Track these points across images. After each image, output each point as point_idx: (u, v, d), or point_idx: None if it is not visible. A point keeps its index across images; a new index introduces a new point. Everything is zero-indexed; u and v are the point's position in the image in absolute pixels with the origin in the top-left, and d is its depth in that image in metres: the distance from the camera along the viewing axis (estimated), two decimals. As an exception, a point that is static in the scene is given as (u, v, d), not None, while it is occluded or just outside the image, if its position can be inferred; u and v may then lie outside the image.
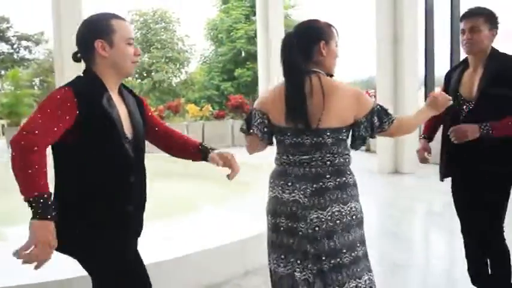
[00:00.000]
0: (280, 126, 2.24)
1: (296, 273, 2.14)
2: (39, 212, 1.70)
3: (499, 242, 2.84)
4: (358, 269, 2.13)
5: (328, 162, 2.13)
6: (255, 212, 5.11)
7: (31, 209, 1.71)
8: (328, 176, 2.12)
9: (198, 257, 3.67)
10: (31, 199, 1.69)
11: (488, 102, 2.69)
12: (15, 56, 33.44)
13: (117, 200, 1.97)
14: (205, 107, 14.12)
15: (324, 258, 2.09)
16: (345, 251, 2.10)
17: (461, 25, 2.84)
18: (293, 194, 2.15)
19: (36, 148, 1.70)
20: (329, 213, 2.08)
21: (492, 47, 2.82)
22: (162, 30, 28.88)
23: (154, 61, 27.73)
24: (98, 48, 1.95)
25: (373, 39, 9.35)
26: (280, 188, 2.23)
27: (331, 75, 2.24)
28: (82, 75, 2.03)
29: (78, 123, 1.83)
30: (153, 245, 3.89)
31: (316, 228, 2.08)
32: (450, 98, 2.40)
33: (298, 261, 2.14)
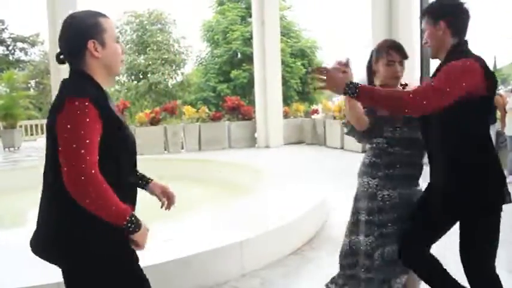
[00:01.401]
0: None
1: None
2: (135, 229, 1.86)
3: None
4: (369, 230, 2.76)
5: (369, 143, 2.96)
6: (253, 214, 5.13)
7: (129, 228, 1.83)
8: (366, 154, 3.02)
9: (196, 258, 3.68)
10: (123, 226, 1.81)
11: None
12: (10, 58, 33.36)
13: (128, 203, 1.92)
14: (202, 109, 14.08)
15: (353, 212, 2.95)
16: (364, 213, 2.77)
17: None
18: None
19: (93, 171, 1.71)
20: (361, 181, 2.88)
21: (454, 46, 2.41)
22: (158, 31, 28.84)
23: (150, 63, 27.69)
24: (91, 48, 1.87)
25: (373, 41, 9.39)
26: None
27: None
28: (76, 78, 1.89)
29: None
30: (152, 247, 3.90)
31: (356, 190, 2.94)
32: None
33: None
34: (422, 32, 2.54)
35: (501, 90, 22.35)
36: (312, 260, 4.39)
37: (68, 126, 1.71)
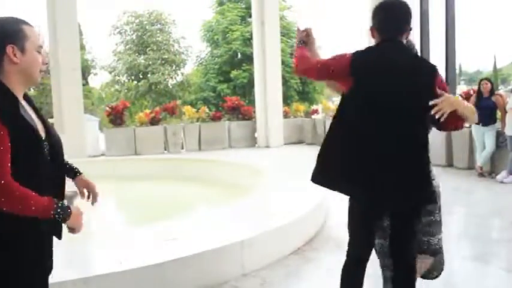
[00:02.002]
0: None
1: None
2: (65, 216, 1.86)
3: None
4: None
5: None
6: (253, 213, 5.14)
7: (59, 219, 1.84)
8: None
9: (197, 258, 3.68)
10: (52, 217, 1.80)
11: None
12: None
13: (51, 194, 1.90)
14: (202, 109, 14.09)
15: None
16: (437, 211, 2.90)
17: None
18: None
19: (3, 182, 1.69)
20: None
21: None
22: (158, 31, 28.85)
23: (150, 63, 27.70)
24: (10, 53, 1.82)
25: (369, 42, 9.38)
26: None
27: None
28: None
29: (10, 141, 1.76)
30: (153, 246, 3.91)
31: None
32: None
33: None
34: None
35: (501, 90, 22.36)
36: (313, 260, 4.39)
37: None
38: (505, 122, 8.01)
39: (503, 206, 6.49)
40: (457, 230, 5.44)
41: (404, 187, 2.45)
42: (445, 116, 2.40)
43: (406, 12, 2.54)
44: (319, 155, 2.63)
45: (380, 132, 2.44)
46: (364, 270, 2.65)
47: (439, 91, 2.43)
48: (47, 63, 2.01)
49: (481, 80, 8.64)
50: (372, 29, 2.60)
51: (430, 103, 2.40)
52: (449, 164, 9.02)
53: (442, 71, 11.05)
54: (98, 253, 3.96)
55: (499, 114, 8.30)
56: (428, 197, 2.57)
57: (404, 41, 2.57)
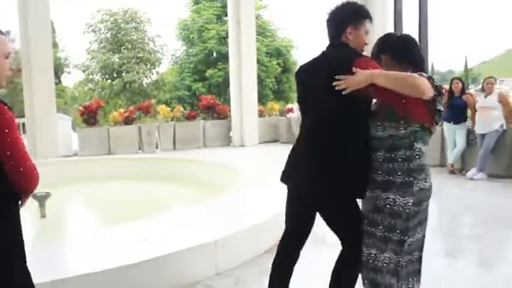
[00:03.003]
0: None
1: (424, 234, 2.62)
2: None
3: None
4: None
5: None
6: (228, 212, 5.13)
7: None
8: None
9: (170, 258, 3.66)
10: None
11: None
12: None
13: None
14: (177, 108, 14.00)
15: None
16: None
17: (368, 26, 2.76)
18: (429, 180, 2.55)
19: None
20: None
21: None
22: (133, 30, 28.55)
23: (124, 61, 27.40)
24: None
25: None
26: (423, 180, 2.51)
27: None
28: None
29: None
30: (127, 247, 3.87)
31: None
32: None
33: (424, 225, 2.61)
34: (368, 31, 2.76)
35: (472, 89, 22.78)
36: (287, 258, 4.39)
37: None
38: (475, 121, 8.19)
39: (473, 202, 6.62)
40: (429, 227, 5.52)
41: (305, 180, 2.67)
42: (348, 90, 2.39)
43: (340, 15, 2.69)
44: None
45: (302, 126, 2.78)
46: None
47: (354, 69, 2.42)
48: (13, 69, 2.04)
49: (452, 79, 8.80)
50: None
51: (334, 83, 2.43)
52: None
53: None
54: (70, 254, 3.90)
55: (469, 112, 8.47)
56: (321, 194, 2.61)
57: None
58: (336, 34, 2.69)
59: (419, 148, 2.48)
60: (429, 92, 2.35)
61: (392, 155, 2.48)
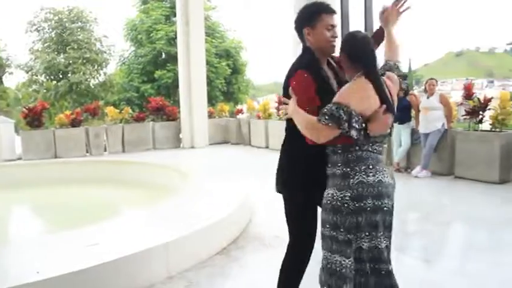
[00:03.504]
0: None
1: (381, 244, 2.44)
2: None
3: None
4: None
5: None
6: (178, 215, 5.11)
7: None
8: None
9: (120, 262, 3.61)
10: None
11: None
12: None
13: None
14: (125, 110, 13.78)
15: (392, 227, 2.54)
16: None
17: (328, 19, 2.61)
18: (387, 177, 2.45)
19: None
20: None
21: None
22: (79, 30, 27.85)
23: (70, 62, 26.69)
24: None
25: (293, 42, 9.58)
26: (363, 173, 2.39)
27: None
28: None
29: None
30: (75, 252, 3.79)
31: (394, 203, 2.50)
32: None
33: (380, 233, 2.44)
34: (333, 25, 2.65)
35: (415, 90, 23.52)
36: (238, 259, 4.43)
37: None
38: (419, 121, 8.49)
39: (418, 199, 6.86)
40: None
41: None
42: (287, 116, 2.55)
43: (297, 19, 2.73)
44: None
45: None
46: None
47: (290, 91, 2.53)
48: None
49: (397, 80, 9.07)
50: None
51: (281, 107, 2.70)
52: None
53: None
54: (15, 262, 3.77)
55: (413, 112, 8.77)
56: (280, 184, 2.79)
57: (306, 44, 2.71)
58: (300, 39, 2.73)
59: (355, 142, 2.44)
60: (324, 139, 2.37)
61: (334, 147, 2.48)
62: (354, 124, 2.30)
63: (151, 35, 25.74)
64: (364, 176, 2.38)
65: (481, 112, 7.99)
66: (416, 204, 6.54)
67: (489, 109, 7.96)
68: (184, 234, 4.26)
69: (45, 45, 27.36)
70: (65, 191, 7.80)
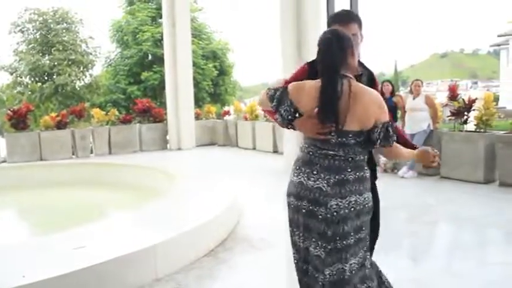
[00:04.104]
0: None
1: (311, 248, 2.42)
2: None
3: None
4: (358, 248, 2.43)
5: (350, 159, 2.36)
6: (166, 217, 5.09)
7: None
8: (349, 170, 2.36)
9: (108, 265, 3.59)
10: None
11: None
12: None
13: None
14: (111, 111, 13.70)
15: (337, 239, 2.35)
16: (352, 234, 2.37)
17: (348, 29, 2.61)
18: (317, 182, 2.36)
19: None
20: (347, 202, 2.33)
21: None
22: (64, 31, 27.60)
23: (55, 63, 26.43)
24: None
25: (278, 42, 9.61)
26: (306, 175, 2.40)
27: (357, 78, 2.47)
28: None
29: None
30: (62, 256, 3.76)
31: (335, 214, 2.32)
32: (438, 159, 2.56)
33: (314, 239, 2.40)
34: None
35: (401, 91, 23.69)
36: (226, 261, 4.43)
37: None
38: (405, 121, 8.56)
39: (405, 199, 6.91)
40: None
41: None
42: None
43: None
44: None
45: None
46: None
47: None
48: None
49: (383, 81, 9.14)
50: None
51: None
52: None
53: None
54: (0, 266, 3.73)
55: (399, 113, 8.84)
56: None
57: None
58: None
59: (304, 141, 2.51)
60: (261, 106, 2.61)
61: None
62: (280, 109, 2.44)
63: (137, 36, 25.61)
64: (292, 175, 2.49)
65: (465, 113, 8.07)
66: (402, 205, 6.59)
67: (473, 110, 8.05)
68: (172, 236, 4.25)
69: (30, 46, 27.07)
70: (51, 193, 7.73)
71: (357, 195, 2.35)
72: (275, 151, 11.87)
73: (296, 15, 9.18)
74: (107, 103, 25.43)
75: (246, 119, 13.52)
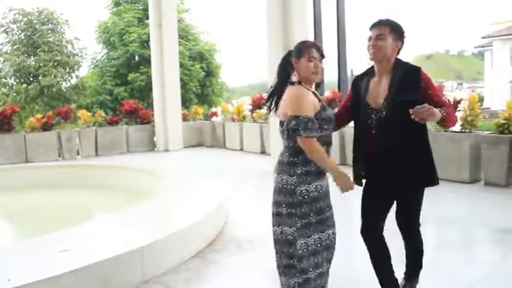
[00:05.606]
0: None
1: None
2: None
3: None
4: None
5: (285, 143, 2.86)
6: (153, 218, 5.07)
7: None
8: (284, 152, 2.87)
9: (95, 267, 3.56)
10: None
11: (396, 110, 2.87)
12: None
13: None
14: (98, 113, 13.62)
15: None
16: (284, 205, 2.79)
17: (370, 33, 2.99)
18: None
19: None
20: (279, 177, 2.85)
21: (397, 58, 3.01)
22: (49, 32, 27.39)
23: (41, 64, 26.21)
24: None
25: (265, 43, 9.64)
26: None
27: (319, 83, 2.97)
28: None
29: None
30: (48, 259, 3.72)
31: (274, 184, 2.88)
32: (353, 187, 2.87)
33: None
34: (371, 37, 2.97)
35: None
36: (214, 262, 4.42)
37: None
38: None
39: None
40: (347, 226, 5.72)
41: None
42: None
43: None
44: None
45: None
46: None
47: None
48: None
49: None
50: (400, 46, 3.05)
51: None
52: (343, 162, 9.46)
53: (334, 74, 11.62)
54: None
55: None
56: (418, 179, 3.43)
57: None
58: None
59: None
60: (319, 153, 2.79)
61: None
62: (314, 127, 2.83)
63: (124, 37, 25.49)
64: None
65: (451, 113, 8.13)
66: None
67: (459, 110, 8.11)
68: (160, 237, 4.23)
69: (15, 47, 26.82)
70: (36, 196, 7.66)
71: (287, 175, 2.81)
72: (262, 152, 11.88)
73: (283, 17, 9.21)
74: (93, 104, 25.30)
75: (233, 120, 13.51)
